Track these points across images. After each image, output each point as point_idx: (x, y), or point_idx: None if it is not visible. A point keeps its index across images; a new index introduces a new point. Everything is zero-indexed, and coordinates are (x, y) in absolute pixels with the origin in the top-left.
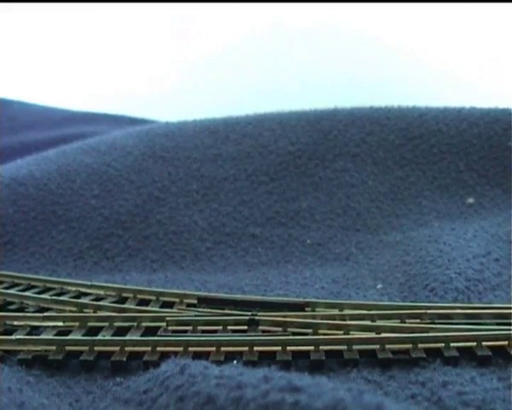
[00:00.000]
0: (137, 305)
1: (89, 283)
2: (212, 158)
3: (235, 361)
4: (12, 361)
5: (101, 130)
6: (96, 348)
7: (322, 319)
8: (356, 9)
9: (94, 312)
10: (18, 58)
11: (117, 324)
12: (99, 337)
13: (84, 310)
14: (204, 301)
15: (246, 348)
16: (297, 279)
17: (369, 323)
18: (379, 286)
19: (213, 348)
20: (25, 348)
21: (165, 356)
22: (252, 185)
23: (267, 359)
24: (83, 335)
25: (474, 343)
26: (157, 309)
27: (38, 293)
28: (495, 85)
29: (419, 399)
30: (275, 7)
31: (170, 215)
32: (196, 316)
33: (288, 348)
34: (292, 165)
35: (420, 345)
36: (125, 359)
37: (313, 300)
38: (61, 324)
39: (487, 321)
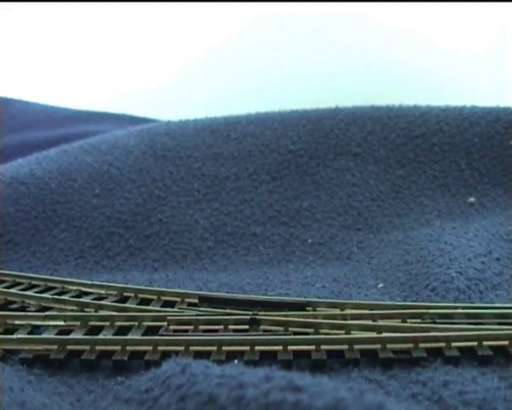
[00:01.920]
0: (139, 304)
1: (90, 282)
2: (214, 157)
3: (236, 361)
4: (13, 360)
5: (103, 129)
6: (98, 348)
7: (323, 319)
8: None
9: (95, 311)
10: (19, 57)
11: (118, 323)
12: (100, 337)
13: (86, 309)
14: (205, 301)
15: (247, 348)
16: (298, 279)
17: (370, 322)
18: (380, 286)
19: (214, 348)
20: (26, 347)
21: (166, 355)
22: (253, 184)
23: (268, 358)
24: (84, 334)
25: (475, 343)
26: (158, 308)
27: (39, 292)
28: (496, 84)
29: (420, 398)
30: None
31: (171, 214)
32: (197, 315)
33: (290, 347)
34: (293, 164)
35: (421, 345)
36: (126, 358)
37: (314, 299)
38: (62, 323)
39: (488, 321)
